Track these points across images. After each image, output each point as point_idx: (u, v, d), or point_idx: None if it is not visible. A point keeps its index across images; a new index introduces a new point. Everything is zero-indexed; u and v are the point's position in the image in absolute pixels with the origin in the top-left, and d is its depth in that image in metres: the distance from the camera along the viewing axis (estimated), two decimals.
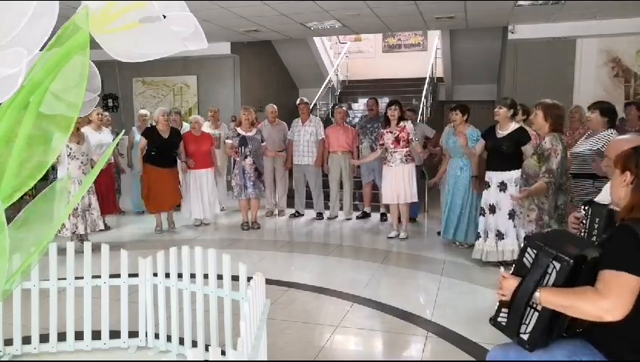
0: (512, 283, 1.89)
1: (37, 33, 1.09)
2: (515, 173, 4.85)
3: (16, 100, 1.17)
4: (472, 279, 4.84)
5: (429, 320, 3.87)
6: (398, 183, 6.23)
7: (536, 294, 1.79)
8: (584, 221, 2.18)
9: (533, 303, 1.83)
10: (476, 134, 5.65)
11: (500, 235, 5.02)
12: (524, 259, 1.94)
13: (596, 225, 2.08)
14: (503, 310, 1.94)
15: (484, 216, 5.13)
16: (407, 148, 6.23)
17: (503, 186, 4.96)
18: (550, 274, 1.82)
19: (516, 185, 4.78)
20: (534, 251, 1.90)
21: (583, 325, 1.87)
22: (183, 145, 6.96)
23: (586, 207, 2.19)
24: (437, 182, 6.20)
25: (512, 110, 5.01)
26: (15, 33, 1.05)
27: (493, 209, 5.04)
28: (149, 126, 7.11)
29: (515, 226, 4.94)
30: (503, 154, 4.92)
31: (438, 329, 3.69)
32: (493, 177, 5.05)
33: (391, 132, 6.27)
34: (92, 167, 5.92)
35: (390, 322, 3.89)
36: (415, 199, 6.41)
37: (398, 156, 6.23)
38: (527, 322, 1.84)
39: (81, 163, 5.76)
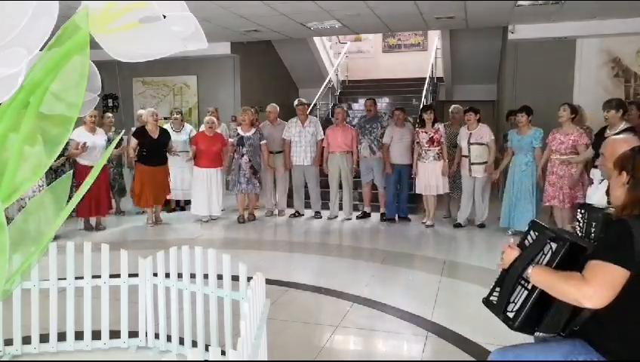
0: (512, 254, 1.98)
1: (37, 33, 1.09)
2: None
3: (16, 100, 1.17)
4: (472, 279, 4.84)
5: (429, 320, 3.87)
6: (431, 177, 7.04)
7: (529, 270, 1.87)
8: (580, 224, 2.18)
9: (523, 281, 1.90)
10: (539, 134, 6.20)
11: None
12: (526, 241, 2.02)
13: (593, 229, 2.09)
14: (496, 289, 2.02)
15: None
16: (439, 148, 7.02)
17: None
18: (546, 254, 1.90)
19: None
20: (536, 233, 1.99)
21: (580, 320, 1.89)
22: (194, 143, 7.46)
23: (583, 211, 2.19)
24: (498, 178, 6.85)
25: (620, 110, 5.14)
26: (15, 33, 1.05)
27: None
28: (139, 127, 7.43)
29: None
30: None
31: (438, 329, 3.69)
32: (597, 174, 5.17)
33: (426, 132, 7.05)
34: (51, 169, 6.02)
35: (390, 322, 3.89)
36: (447, 190, 7.18)
37: (432, 154, 7.02)
38: (515, 301, 1.91)
39: None
